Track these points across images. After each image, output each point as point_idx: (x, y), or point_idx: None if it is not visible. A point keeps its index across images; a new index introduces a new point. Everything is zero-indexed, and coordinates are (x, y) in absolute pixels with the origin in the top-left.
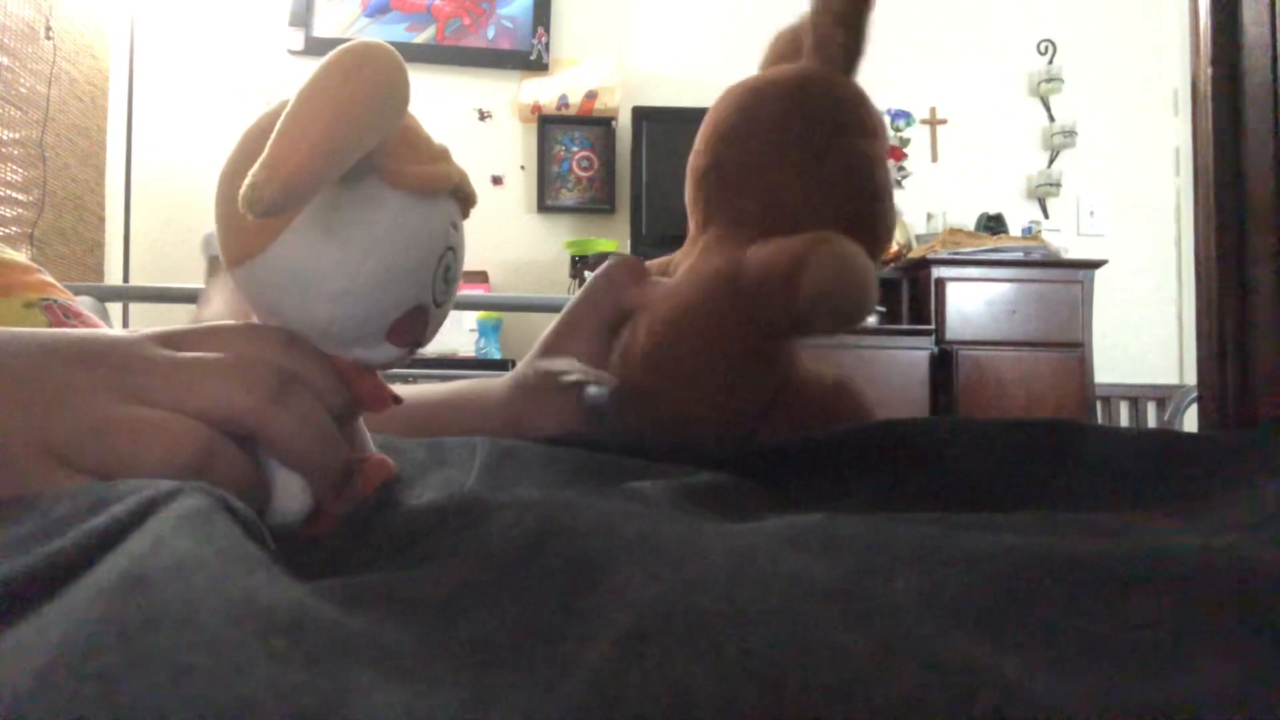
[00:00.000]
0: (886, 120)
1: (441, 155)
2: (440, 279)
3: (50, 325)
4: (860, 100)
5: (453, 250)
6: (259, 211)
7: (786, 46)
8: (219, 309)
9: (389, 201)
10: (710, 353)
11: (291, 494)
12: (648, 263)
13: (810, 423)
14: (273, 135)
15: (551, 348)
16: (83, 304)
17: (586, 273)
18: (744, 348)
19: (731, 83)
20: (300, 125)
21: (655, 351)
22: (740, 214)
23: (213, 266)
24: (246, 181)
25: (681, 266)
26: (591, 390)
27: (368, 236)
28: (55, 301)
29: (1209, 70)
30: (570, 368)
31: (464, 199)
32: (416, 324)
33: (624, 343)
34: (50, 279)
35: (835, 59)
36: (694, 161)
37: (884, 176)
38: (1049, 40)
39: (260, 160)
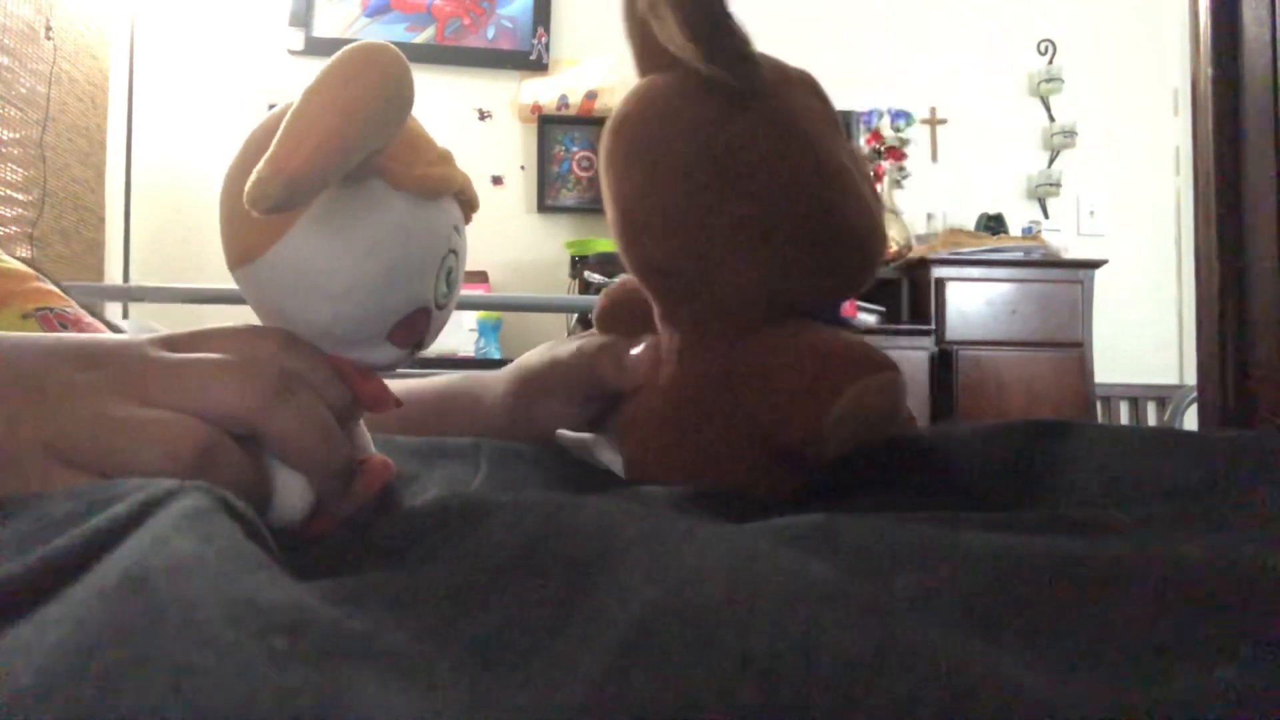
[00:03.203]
0: (886, 120)
1: (445, 159)
2: (442, 281)
3: None
4: (779, 122)
5: (455, 253)
6: (263, 208)
7: (648, 38)
8: None
9: (392, 203)
10: (731, 471)
11: (293, 493)
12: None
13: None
14: (278, 133)
15: (530, 402)
16: None
17: (587, 273)
18: (763, 461)
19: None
20: (305, 123)
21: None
22: (703, 307)
23: None
24: (251, 178)
25: (657, 362)
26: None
27: (370, 237)
28: (51, 310)
29: (1209, 70)
30: (607, 454)
31: (466, 203)
32: (418, 326)
33: (636, 462)
34: (50, 285)
35: (726, 81)
36: (625, 250)
37: (851, 198)
38: (1049, 40)
39: (265, 157)
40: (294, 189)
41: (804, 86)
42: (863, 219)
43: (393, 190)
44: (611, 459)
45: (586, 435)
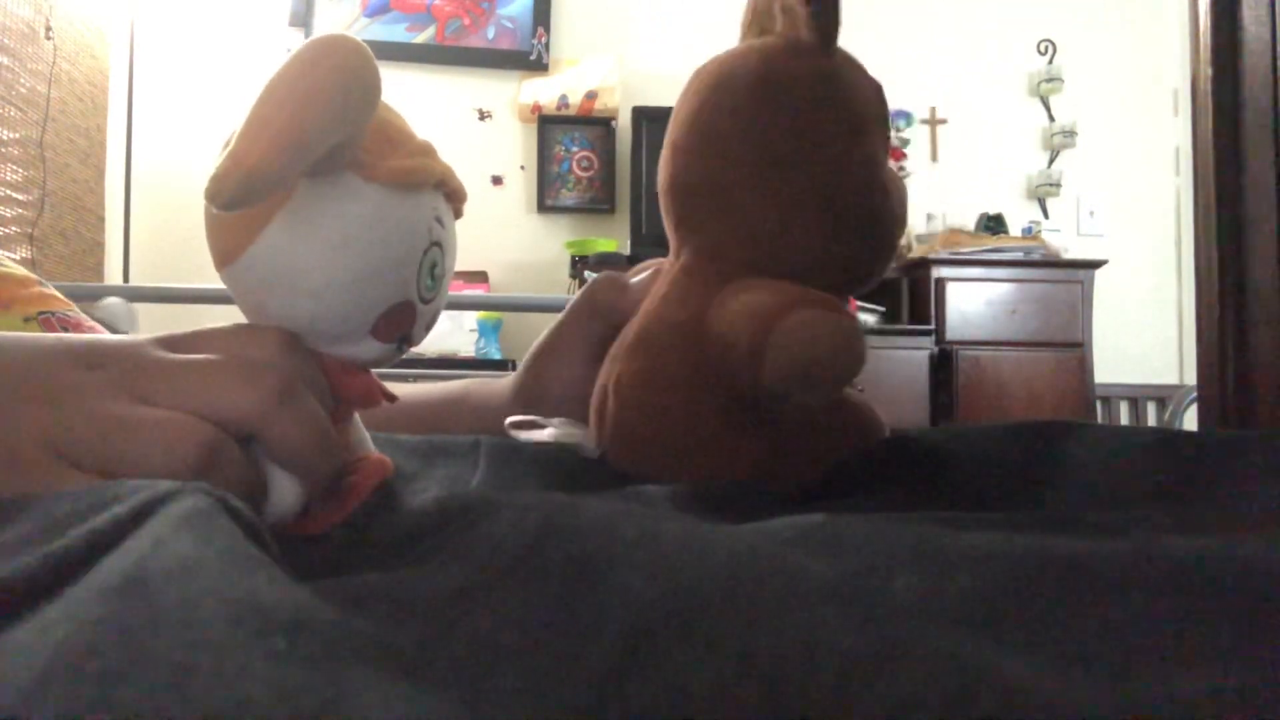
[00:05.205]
0: None
1: (423, 150)
2: (426, 274)
3: None
4: (838, 84)
5: (439, 246)
6: (221, 204)
7: (763, 13)
8: None
9: (366, 196)
10: (686, 418)
11: (285, 493)
12: (638, 266)
13: (823, 441)
14: (238, 128)
15: (539, 370)
16: (112, 306)
17: (587, 272)
18: (721, 413)
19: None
20: (262, 118)
21: (626, 421)
22: (710, 241)
23: None
24: (210, 174)
25: (657, 293)
26: (579, 448)
27: (345, 231)
28: (53, 314)
29: (1209, 70)
30: (555, 428)
31: (452, 195)
32: (403, 320)
33: (598, 397)
34: (51, 290)
35: (805, 34)
36: (660, 172)
37: (878, 185)
38: (1049, 40)
39: (225, 152)
40: (251, 183)
41: (872, 89)
42: (889, 212)
43: (365, 183)
44: (576, 436)
45: (552, 420)
